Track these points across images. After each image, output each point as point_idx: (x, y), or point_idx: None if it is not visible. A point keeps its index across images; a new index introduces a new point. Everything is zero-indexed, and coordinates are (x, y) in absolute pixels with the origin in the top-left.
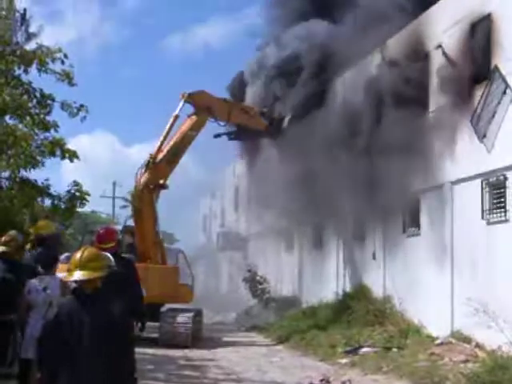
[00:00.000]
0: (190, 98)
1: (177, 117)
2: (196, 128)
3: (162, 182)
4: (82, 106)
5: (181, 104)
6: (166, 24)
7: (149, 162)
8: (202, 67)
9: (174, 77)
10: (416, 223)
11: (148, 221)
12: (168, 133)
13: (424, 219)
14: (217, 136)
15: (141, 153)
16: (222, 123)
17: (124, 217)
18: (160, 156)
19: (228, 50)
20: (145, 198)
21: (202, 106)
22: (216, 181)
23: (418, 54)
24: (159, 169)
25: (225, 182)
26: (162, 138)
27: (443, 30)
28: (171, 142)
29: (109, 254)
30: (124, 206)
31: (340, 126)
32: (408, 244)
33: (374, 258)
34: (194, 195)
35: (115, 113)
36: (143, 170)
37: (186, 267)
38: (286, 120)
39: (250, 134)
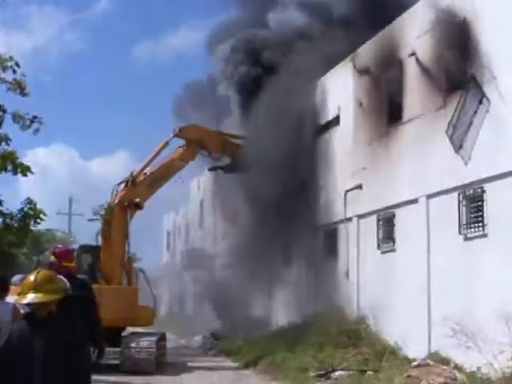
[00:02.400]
0: (181, 133)
1: (167, 143)
2: (185, 159)
3: (137, 200)
4: (35, 117)
5: (171, 138)
6: (135, 32)
7: (128, 180)
8: (173, 76)
9: (142, 86)
10: (391, 238)
11: (117, 238)
12: (154, 157)
13: (399, 234)
14: (212, 169)
15: (102, 166)
16: (215, 157)
17: (82, 235)
18: (141, 177)
19: (201, 57)
20: (117, 214)
21: (193, 139)
22: (180, 194)
23: (391, 62)
24: (138, 189)
25: (189, 195)
26: (146, 161)
27: (416, 36)
28: (157, 167)
29: (62, 277)
30: (92, 220)
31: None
32: (383, 261)
33: (347, 276)
34: (156, 211)
35: (76, 124)
36: (121, 187)
37: (147, 287)
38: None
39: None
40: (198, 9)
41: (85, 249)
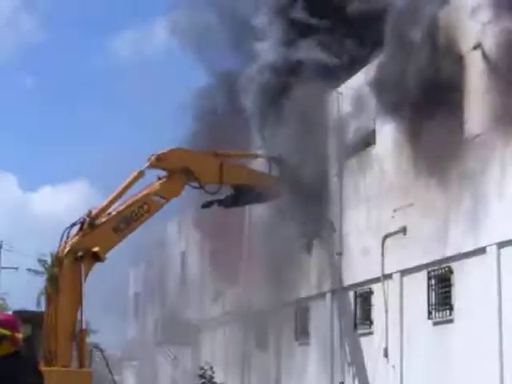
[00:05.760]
0: (160, 162)
1: (141, 174)
2: (165, 195)
3: (96, 249)
4: None
5: (145, 167)
6: (109, 19)
7: (84, 221)
8: (161, 79)
9: (117, 91)
10: (447, 304)
11: (66, 302)
12: (123, 192)
13: (459, 298)
14: (206, 206)
15: (50, 199)
16: (211, 189)
17: (16, 297)
18: (103, 218)
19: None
20: (67, 268)
21: (178, 168)
22: (153, 243)
23: (448, 59)
24: (98, 233)
25: (167, 244)
26: (112, 196)
27: (482, 22)
28: (126, 204)
29: None
30: (37, 272)
31: None
32: (436, 335)
33: (385, 355)
34: (120, 264)
35: (15, 142)
36: (75, 231)
37: (105, 371)
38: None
39: (255, 195)
40: None
41: (22, 316)
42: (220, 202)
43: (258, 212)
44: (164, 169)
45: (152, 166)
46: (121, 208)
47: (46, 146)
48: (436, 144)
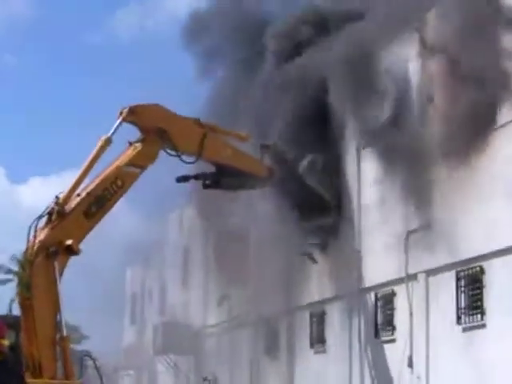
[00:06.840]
0: (133, 116)
1: (108, 142)
2: (139, 162)
3: (70, 242)
4: None
5: (117, 123)
6: None
7: (52, 210)
8: (165, 55)
9: (116, 69)
10: (478, 308)
11: (42, 306)
12: (90, 167)
13: (491, 301)
14: (183, 180)
15: (40, 191)
16: (188, 159)
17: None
18: (73, 203)
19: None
20: (39, 267)
21: (152, 127)
22: (152, 238)
23: (481, 35)
24: (68, 223)
25: (167, 239)
26: (78, 176)
27: None
28: (95, 182)
29: None
30: (5, 281)
31: None
32: (466, 342)
33: (410, 365)
34: (114, 263)
35: (2, 129)
36: (43, 224)
37: (95, 381)
38: (305, 163)
39: (239, 180)
40: None
41: (6, 322)
42: (197, 177)
43: (267, 206)
44: (137, 124)
45: (124, 119)
46: (90, 188)
47: (36, 133)
48: (465, 131)
